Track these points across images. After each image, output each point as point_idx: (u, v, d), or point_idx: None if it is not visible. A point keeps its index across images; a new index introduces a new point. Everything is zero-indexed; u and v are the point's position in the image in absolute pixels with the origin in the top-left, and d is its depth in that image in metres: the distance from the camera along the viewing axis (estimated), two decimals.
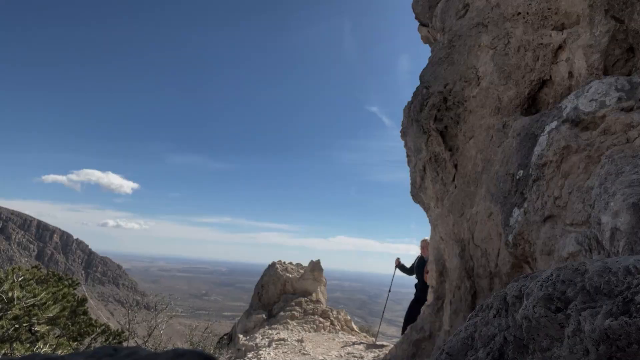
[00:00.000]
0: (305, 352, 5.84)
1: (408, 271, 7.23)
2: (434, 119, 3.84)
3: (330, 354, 5.66)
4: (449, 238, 3.84)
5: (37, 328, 6.69)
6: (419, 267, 7.00)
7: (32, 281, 7.21)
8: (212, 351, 7.69)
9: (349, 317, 8.72)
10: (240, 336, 7.73)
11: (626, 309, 0.83)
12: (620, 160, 1.78)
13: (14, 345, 6.16)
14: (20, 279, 7.03)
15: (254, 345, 6.60)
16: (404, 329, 6.61)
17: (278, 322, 7.89)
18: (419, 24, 5.57)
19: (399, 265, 7.26)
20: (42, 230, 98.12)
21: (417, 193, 4.81)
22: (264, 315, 8.62)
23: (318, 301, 8.98)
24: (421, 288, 6.84)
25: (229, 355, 6.84)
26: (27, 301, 6.68)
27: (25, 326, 6.50)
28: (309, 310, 8.47)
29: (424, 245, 6.92)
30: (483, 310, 1.36)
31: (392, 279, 7.61)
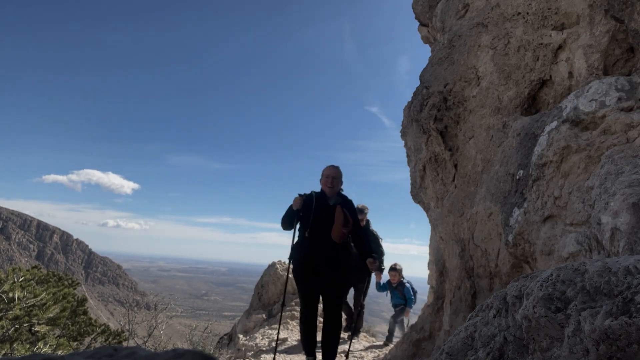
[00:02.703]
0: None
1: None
2: (434, 119, 3.84)
3: None
4: (449, 238, 3.85)
5: (37, 328, 6.69)
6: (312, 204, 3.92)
7: (32, 281, 7.21)
8: (212, 351, 7.70)
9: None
10: (240, 336, 7.73)
11: (626, 309, 0.83)
12: (620, 160, 1.78)
13: (14, 345, 6.17)
14: (20, 279, 7.04)
15: (254, 345, 6.60)
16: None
17: (278, 322, 7.90)
18: (419, 24, 5.57)
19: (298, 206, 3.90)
20: (42, 230, 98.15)
21: (417, 193, 4.81)
22: (264, 315, 8.63)
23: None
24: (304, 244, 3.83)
25: (229, 355, 6.84)
26: (27, 301, 6.68)
27: (26, 326, 6.50)
28: None
29: (333, 173, 4.01)
30: (483, 310, 1.36)
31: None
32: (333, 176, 4.04)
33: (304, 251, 3.84)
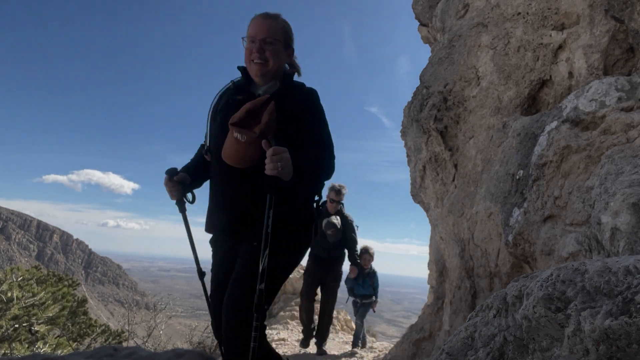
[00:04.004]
0: (305, 352, 5.84)
1: None
2: (434, 119, 3.84)
3: (330, 353, 5.66)
4: (449, 238, 3.85)
5: (36, 328, 6.69)
6: None
7: (31, 281, 7.21)
8: (212, 351, 7.70)
9: (349, 317, 8.72)
10: None
11: (626, 309, 0.83)
12: (620, 160, 1.78)
13: (14, 345, 6.17)
14: (19, 278, 7.04)
15: None
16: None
17: (278, 322, 7.90)
18: (419, 24, 5.57)
19: None
20: (42, 230, 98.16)
21: (417, 193, 4.81)
22: None
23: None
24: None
25: None
26: (26, 301, 6.69)
27: (25, 326, 6.50)
28: None
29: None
30: (483, 310, 1.36)
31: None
32: (262, 38, 1.82)
33: (212, 198, 2.05)
